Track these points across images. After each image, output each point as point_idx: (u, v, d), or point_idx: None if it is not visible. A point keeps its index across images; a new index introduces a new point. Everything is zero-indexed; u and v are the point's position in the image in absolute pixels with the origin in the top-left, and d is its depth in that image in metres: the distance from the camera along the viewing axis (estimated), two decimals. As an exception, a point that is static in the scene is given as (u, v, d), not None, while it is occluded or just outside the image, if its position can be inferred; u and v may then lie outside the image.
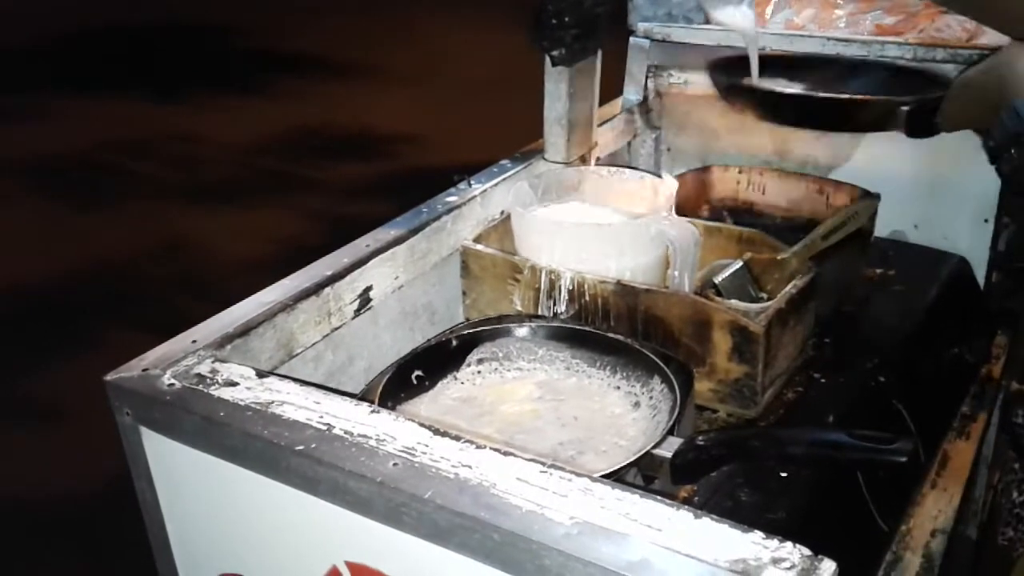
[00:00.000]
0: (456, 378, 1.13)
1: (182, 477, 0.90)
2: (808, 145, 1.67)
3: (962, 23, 1.56)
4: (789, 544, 0.65)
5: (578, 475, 0.73)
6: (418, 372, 1.10)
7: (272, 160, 4.61)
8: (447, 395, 1.12)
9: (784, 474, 1.04)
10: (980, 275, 1.58)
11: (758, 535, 0.66)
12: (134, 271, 3.66)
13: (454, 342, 1.14)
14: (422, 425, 0.80)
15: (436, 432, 0.79)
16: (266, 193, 4.26)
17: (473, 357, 1.14)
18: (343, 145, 4.75)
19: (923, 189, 1.59)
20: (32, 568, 2.32)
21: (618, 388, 1.10)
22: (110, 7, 6.79)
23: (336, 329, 1.13)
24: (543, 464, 0.75)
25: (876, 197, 1.38)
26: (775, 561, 0.64)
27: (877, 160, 1.62)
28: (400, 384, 1.07)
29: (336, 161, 4.57)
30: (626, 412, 1.07)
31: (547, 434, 1.04)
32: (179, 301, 3.43)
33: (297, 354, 1.08)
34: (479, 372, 1.14)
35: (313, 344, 1.10)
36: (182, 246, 3.82)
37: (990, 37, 1.51)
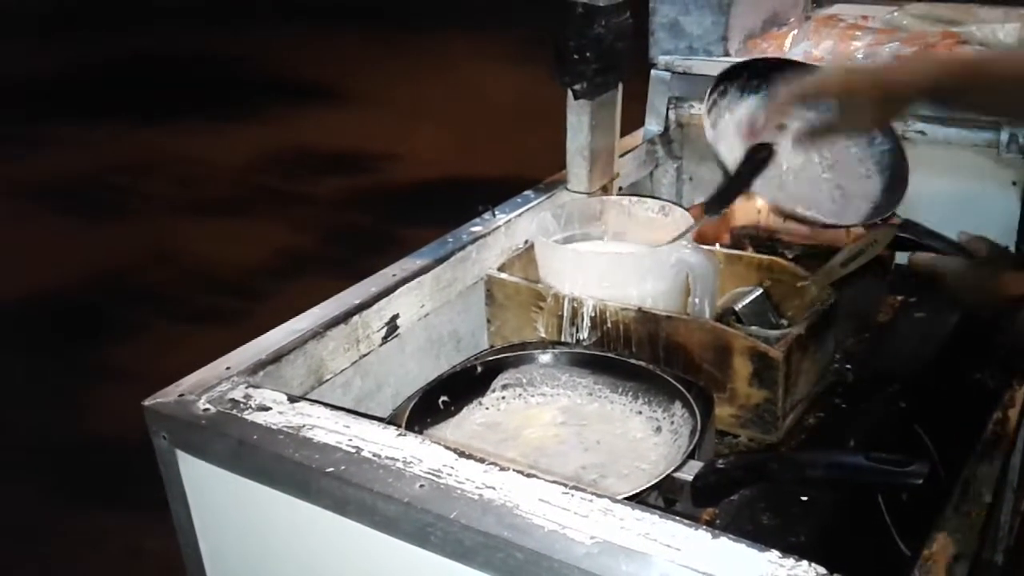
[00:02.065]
0: (481, 403, 1.16)
1: (216, 499, 0.93)
2: (828, 174, 1.69)
3: (980, 52, 1.58)
4: (805, 563, 0.67)
5: (599, 496, 0.76)
6: (444, 397, 1.13)
7: (266, 178, 4.90)
8: (472, 420, 1.14)
9: (805, 498, 1.06)
10: (1002, 301, 1.58)
11: (775, 554, 0.68)
12: (145, 274, 3.94)
13: (479, 368, 1.17)
14: (447, 448, 0.83)
15: (461, 455, 0.82)
16: (262, 207, 4.58)
17: (498, 383, 1.17)
18: (331, 163, 5.02)
19: (945, 215, 1.60)
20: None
21: (640, 413, 1.12)
22: (111, 40, 7.06)
23: (364, 356, 1.16)
24: (565, 486, 0.77)
25: (895, 225, 1.40)
26: (791, 579, 0.66)
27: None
28: (426, 409, 1.10)
29: (325, 177, 4.86)
30: (648, 437, 1.09)
31: (570, 458, 1.06)
32: (190, 298, 3.74)
33: (327, 380, 1.11)
34: (503, 398, 1.17)
35: (342, 371, 1.13)
36: (188, 253, 4.09)
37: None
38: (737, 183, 1.26)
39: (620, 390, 1.14)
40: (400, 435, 0.86)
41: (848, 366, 1.31)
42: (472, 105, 5.42)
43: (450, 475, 0.79)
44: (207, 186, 4.79)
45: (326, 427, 0.87)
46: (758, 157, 1.24)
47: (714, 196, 1.28)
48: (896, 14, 1.83)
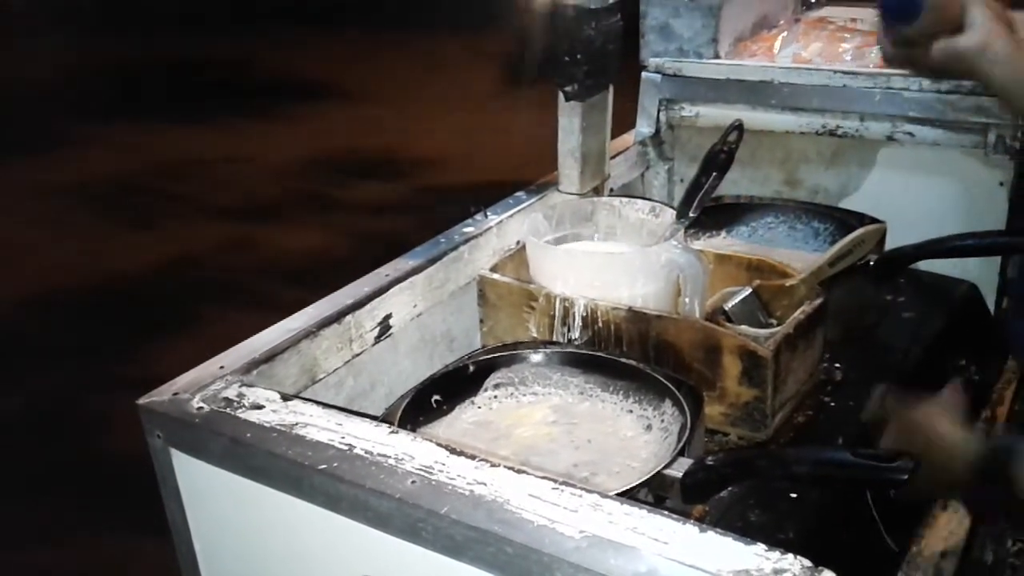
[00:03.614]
0: (473, 403, 1.17)
1: (210, 497, 0.94)
2: (818, 175, 1.71)
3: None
4: (790, 556, 0.68)
5: (588, 492, 0.77)
6: (436, 396, 1.14)
7: (303, 181, 4.95)
8: (464, 419, 1.15)
9: (794, 495, 1.07)
10: (990, 301, 1.60)
11: (760, 547, 0.69)
12: (189, 274, 4.02)
13: (471, 368, 1.18)
14: (439, 445, 0.84)
15: (452, 451, 0.83)
16: (300, 210, 4.64)
17: (490, 382, 1.18)
18: (366, 167, 5.07)
19: (933, 217, 1.61)
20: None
21: (630, 412, 1.13)
22: (130, 43, 7.10)
23: (357, 355, 1.17)
24: (555, 481, 0.78)
25: (882, 224, 1.41)
26: (776, 572, 0.67)
27: (886, 189, 1.65)
28: (419, 408, 1.11)
29: (362, 180, 4.93)
30: (638, 435, 1.10)
31: (561, 456, 1.07)
32: (240, 296, 3.78)
33: (320, 379, 1.12)
34: (495, 397, 1.18)
35: (335, 370, 1.14)
36: (230, 253, 4.17)
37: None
38: (700, 187, 1.28)
39: (611, 389, 1.15)
40: (392, 432, 0.87)
41: (836, 364, 1.32)
42: (501, 107, 5.41)
43: (441, 471, 0.80)
44: (244, 189, 4.85)
45: (319, 425, 0.88)
46: (717, 161, 1.26)
47: (682, 202, 1.30)
48: (885, 17, 1.84)
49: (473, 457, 0.82)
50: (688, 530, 0.72)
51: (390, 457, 0.83)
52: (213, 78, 6.57)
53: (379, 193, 4.77)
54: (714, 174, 1.27)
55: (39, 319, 3.72)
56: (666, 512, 0.74)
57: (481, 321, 1.35)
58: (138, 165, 5.08)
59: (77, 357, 3.38)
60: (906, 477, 0.83)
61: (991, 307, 1.60)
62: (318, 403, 0.93)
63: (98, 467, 2.75)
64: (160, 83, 6.47)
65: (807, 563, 0.68)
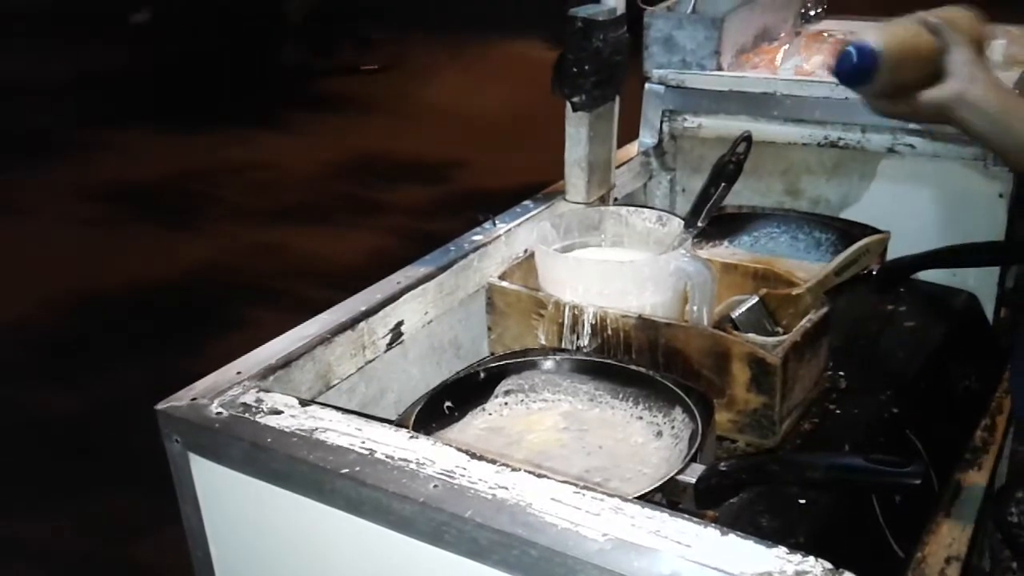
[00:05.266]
0: (484, 409, 1.18)
1: (228, 501, 0.95)
2: (819, 185, 1.73)
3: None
4: (811, 558, 0.70)
5: (609, 495, 0.78)
6: (448, 403, 1.15)
7: (341, 184, 5.01)
8: (475, 425, 1.16)
9: (803, 501, 1.08)
10: (989, 311, 1.62)
11: (782, 550, 0.71)
12: (234, 277, 4.06)
13: (482, 374, 1.19)
14: (459, 449, 0.85)
15: (473, 456, 0.84)
16: (341, 213, 4.69)
17: (500, 389, 1.19)
18: (402, 171, 5.11)
19: (933, 227, 1.63)
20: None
21: (641, 418, 1.14)
22: (142, 47, 7.11)
23: (370, 362, 1.18)
24: (576, 485, 0.79)
25: (886, 234, 1.43)
26: (799, 574, 0.69)
27: (887, 200, 1.67)
28: (431, 414, 1.12)
29: (400, 184, 4.98)
30: (648, 441, 1.11)
31: (573, 462, 1.08)
32: (285, 295, 3.84)
33: (334, 385, 1.13)
34: (506, 403, 1.19)
35: (348, 376, 1.15)
36: (274, 255, 4.22)
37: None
38: (708, 198, 1.30)
39: (621, 396, 1.17)
40: (412, 437, 0.88)
41: (841, 373, 1.34)
42: (529, 112, 5.47)
43: (463, 476, 0.81)
44: (282, 193, 4.87)
45: (338, 430, 0.89)
46: (725, 172, 1.28)
47: (689, 212, 1.32)
48: (883, 30, 1.87)
49: (494, 462, 0.83)
50: (709, 533, 0.73)
51: (411, 461, 0.83)
52: (238, 84, 6.62)
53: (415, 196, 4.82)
54: (722, 185, 1.29)
55: (90, 319, 3.76)
56: (687, 515, 0.75)
57: (489, 329, 1.36)
58: (166, 171, 5.11)
59: (130, 357, 3.43)
60: (918, 482, 0.84)
61: (990, 317, 1.62)
62: (336, 408, 0.94)
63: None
64: (186, 90, 6.51)
65: (828, 565, 0.69)
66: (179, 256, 4.17)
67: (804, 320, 1.23)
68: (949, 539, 1.23)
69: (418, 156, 5.19)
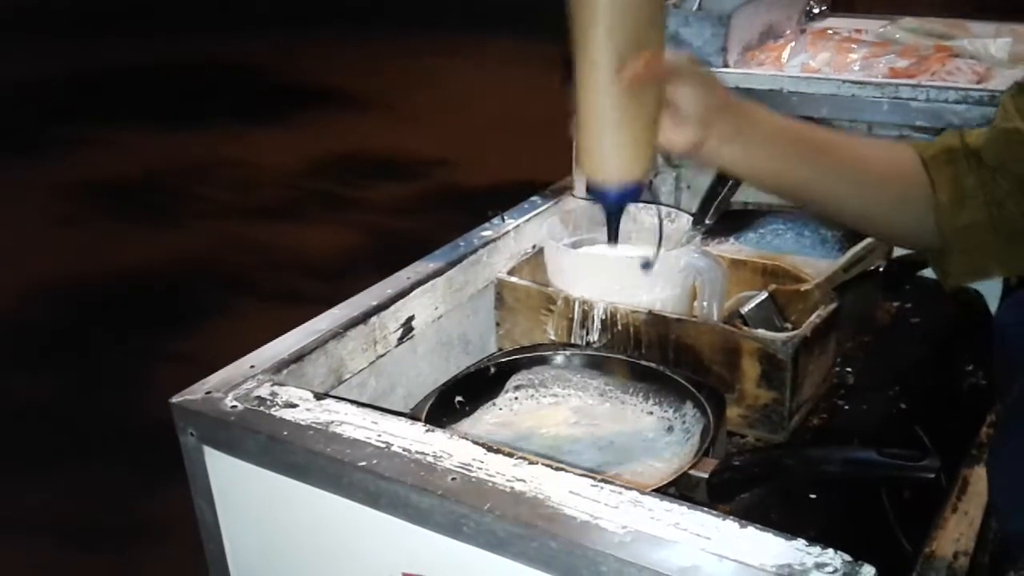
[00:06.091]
0: (494, 404, 1.18)
1: (243, 495, 0.95)
2: (825, 182, 1.72)
3: (972, 66, 1.62)
4: (831, 551, 0.70)
5: (627, 488, 0.78)
6: (459, 397, 1.15)
7: (317, 182, 5.05)
8: (486, 420, 1.16)
9: (813, 496, 1.08)
10: (994, 307, 1.62)
11: (801, 542, 0.71)
12: (213, 269, 4.11)
13: (492, 369, 1.19)
14: (476, 443, 0.85)
15: (490, 449, 0.84)
16: (316, 210, 4.74)
17: (511, 384, 1.19)
18: (381, 168, 5.16)
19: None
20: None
21: (651, 413, 1.14)
22: (134, 46, 7.11)
23: (381, 357, 1.18)
24: (593, 478, 0.79)
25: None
26: (818, 566, 0.69)
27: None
28: (442, 408, 1.12)
29: (378, 182, 5.02)
30: (659, 436, 1.11)
31: (585, 456, 1.09)
32: (262, 286, 3.90)
33: (345, 380, 1.13)
34: (516, 398, 1.19)
35: (360, 371, 1.15)
36: (252, 249, 4.25)
37: (998, 81, 1.57)
38: (717, 195, 1.30)
39: (631, 391, 1.17)
40: (428, 431, 0.88)
41: (848, 369, 1.34)
42: (512, 110, 5.47)
43: (480, 468, 0.81)
44: (262, 190, 4.91)
45: (355, 423, 0.89)
46: None
47: (698, 209, 1.32)
48: (889, 28, 1.87)
49: (511, 455, 0.83)
50: (729, 526, 0.73)
51: (428, 455, 0.84)
52: (220, 82, 6.61)
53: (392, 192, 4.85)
54: (731, 182, 1.29)
55: (69, 311, 3.80)
56: (706, 508, 0.75)
57: (497, 324, 1.36)
58: (147, 168, 5.14)
59: (112, 348, 3.48)
60: (933, 475, 0.85)
61: (994, 313, 1.63)
62: (351, 401, 0.94)
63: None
64: (169, 87, 6.52)
65: (847, 558, 0.70)
66: (159, 250, 4.22)
67: (814, 315, 1.24)
68: (956, 534, 1.24)
69: (401, 152, 5.23)
